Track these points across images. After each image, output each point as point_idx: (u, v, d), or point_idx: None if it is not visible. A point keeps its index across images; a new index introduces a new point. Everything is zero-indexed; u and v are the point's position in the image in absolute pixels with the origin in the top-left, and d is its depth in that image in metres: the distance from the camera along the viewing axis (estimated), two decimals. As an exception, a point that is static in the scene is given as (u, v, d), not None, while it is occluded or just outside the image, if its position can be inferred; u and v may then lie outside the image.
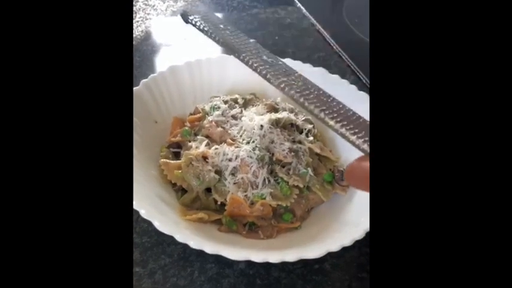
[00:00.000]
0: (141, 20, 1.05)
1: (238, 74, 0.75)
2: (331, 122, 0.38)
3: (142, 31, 1.01)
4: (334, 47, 0.98)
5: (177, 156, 0.64)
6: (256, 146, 0.58)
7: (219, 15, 1.09)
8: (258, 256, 0.48)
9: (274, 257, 0.48)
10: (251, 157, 0.57)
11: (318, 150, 0.63)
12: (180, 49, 0.97)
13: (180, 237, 0.48)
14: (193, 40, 0.99)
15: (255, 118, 0.62)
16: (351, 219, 0.56)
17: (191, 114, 0.68)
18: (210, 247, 0.48)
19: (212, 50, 0.96)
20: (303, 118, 0.66)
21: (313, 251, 0.49)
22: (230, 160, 0.58)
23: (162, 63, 0.92)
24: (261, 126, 0.60)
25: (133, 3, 1.11)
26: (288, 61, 0.75)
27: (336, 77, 0.72)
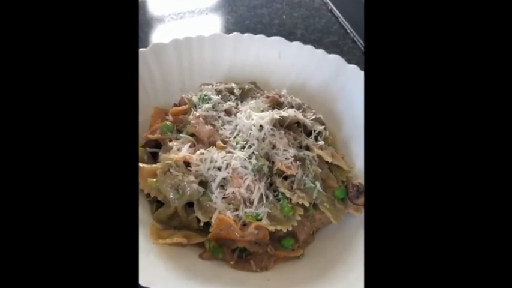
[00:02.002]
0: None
1: (236, 57, 0.61)
2: None
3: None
4: (349, 31, 0.83)
5: (155, 157, 0.49)
6: (253, 153, 0.44)
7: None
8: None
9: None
10: (246, 167, 0.43)
11: (329, 159, 0.48)
12: (175, 25, 0.81)
13: (144, 280, 0.34)
14: (191, 16, 0.84)
15: (253, 116, 0.47)
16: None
17: (176, 105, 0.53)
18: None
19: (213, 28, 0.81)
20: (312, 117, 0.52)
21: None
22: (219, 169, 0.44)
23: (155, 40, 0.77)
24: (261, 126, 0.46)
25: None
26: (298, 45, 0.60)
27: (354, 67, 0.58)
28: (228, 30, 0.81)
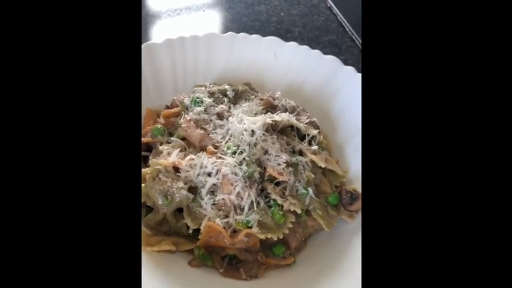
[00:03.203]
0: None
1: (231, 58, 0.59)
2: None
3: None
4: (347, 29, 0.80)
5: (145, 161, 0.48)
6: (245, 159, 0.43)
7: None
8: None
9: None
10: (236, 173, 0.42)
11: (322, 164, 0.47)
12: (172, 22, 0.79)
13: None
14: (187, 12, 0.81)
15: (245, 120, 0.45)
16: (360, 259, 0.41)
17: (168, 107, 0.52)
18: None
19: (210, 25, 0.79)
20: (307, 120, 0.50)
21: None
22: (209, 175, 0.42)
23: (150, 37, 0.74)
24: (252, 131, 0.44)
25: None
26: (294, 45, 0.58)
27: (350, 69, 0.55)
28: (226, 27, 0.78)
